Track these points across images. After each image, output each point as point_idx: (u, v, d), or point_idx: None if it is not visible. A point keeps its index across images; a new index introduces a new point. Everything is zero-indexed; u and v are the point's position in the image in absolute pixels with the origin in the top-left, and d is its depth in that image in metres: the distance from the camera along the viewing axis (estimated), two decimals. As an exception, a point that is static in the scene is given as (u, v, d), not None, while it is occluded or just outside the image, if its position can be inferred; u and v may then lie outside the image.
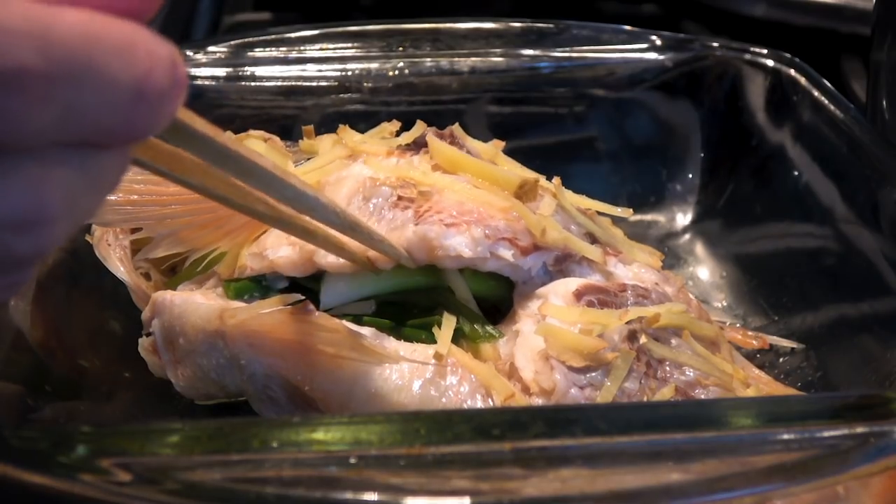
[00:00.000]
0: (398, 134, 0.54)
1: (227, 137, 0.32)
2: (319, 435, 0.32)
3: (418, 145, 0.50)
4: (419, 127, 0.52)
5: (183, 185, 0.34)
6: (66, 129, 0.24)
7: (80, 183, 0.26)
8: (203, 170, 0.34)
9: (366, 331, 0.43)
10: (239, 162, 0.33)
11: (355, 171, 0.48)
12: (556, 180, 0.50)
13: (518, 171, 0.50)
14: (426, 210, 0.45)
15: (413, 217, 0.45)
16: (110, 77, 0.24)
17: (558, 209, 0.48)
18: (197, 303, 0.45)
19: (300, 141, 0.54)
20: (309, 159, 0.52)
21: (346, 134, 0.52)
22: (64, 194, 0.25)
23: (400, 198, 0.45)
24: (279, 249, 0.45)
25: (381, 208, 0.46)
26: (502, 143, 0.54)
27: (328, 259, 0.44)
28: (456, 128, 0.52)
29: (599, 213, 0.52)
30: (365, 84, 0.63)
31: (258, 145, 0.54)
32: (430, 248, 0.44)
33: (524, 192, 0.47)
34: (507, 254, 0.45)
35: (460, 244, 0.44)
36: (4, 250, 0.25)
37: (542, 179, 0.51)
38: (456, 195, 0.46)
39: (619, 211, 0.52)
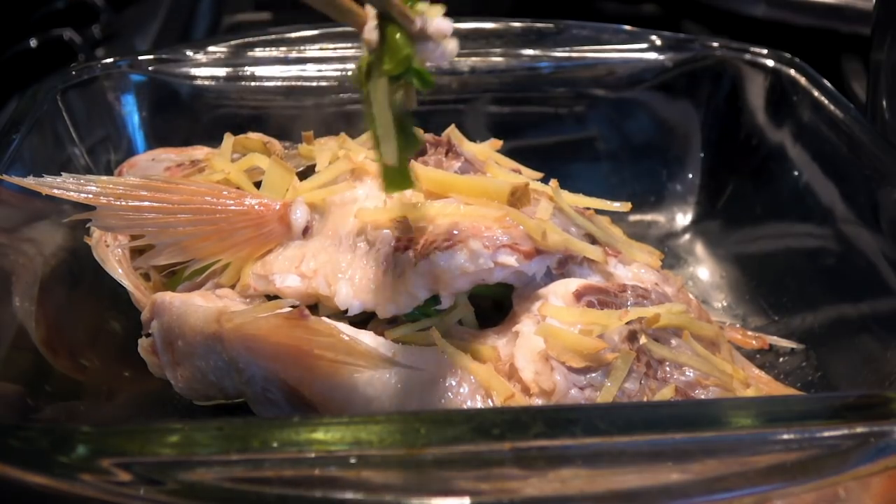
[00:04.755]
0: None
1: None
2: (319, 435, 0.32)
3: (417, 153, 0.50)
4: None
5: None
6: None
7: None
8: None
9: (363, 335, 0.43)
10: None
11: (356, 206, 0.48)
12: (553, 182, 0.50)
13: (509, 178, 0.49)
14: (423, 245, 0.45)
15: (412, 257, 0.44)
16: None
17: (556, 212, 0.48)
18: (195, 305, 0.45)
19: (299, 145, 0.54)
20: (309, 165, 0.52)
21: (347, 144, 0.52)
22: None
23: (398, 239, 0.45)
24: (287, 278, 0.46)
25: (385, 255, 0.45)
26: (499, 143, 0.54)
27: (337, 297, 0.44)
28: (452, 131, 0.52)
29: (598, 212, 0.52)
30: (365, 84, 0.63)
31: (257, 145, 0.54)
32: (434, 279, 0.44)
33: (517, 199, 0.46)
34: (510, 259, 0.44)
35: (460, 261, 0.44)
36: None
37: (539, 183, 0.51)
38: (448, 218, 0.45)
39: (617, 206, 0.52)
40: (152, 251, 0.47)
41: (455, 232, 0.44)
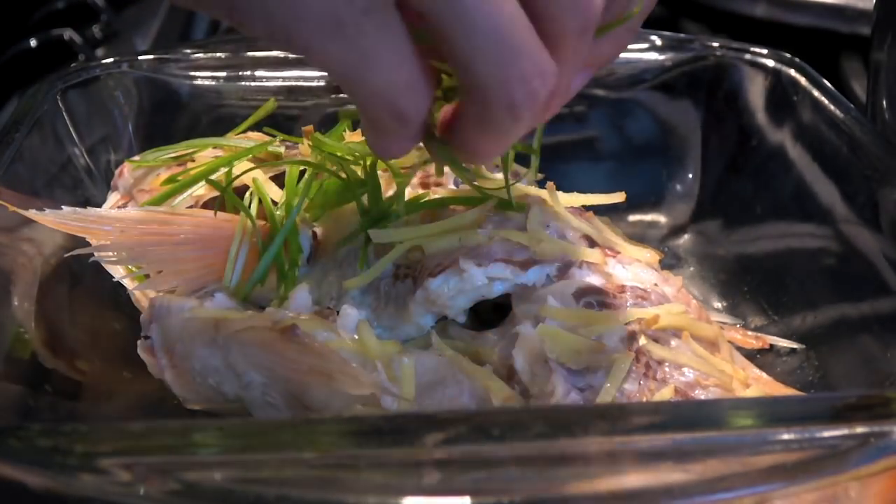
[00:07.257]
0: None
1: None
2: (319, 435, 0.32)
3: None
4: None
5: None
6: None
7: None
8: None
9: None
10: None
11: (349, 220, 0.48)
12: (550, 185, 0.50)
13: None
14: (420, 272, 0.45)
15: (412, 285, 0.45)
16: None
17: (552, 216, 0.48)
18: (194, 309, 0.45)
19: (300, 145, 0.54)
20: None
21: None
22: None
23: (398, 267, 0.46)
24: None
25: (388, 286, 0.46)
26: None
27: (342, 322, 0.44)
28: None
29: (598, 212, 0.52)
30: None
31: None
32: (431, 305, 0.44)
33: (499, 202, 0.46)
34: (504, 273, 0.44)
35: (454, 283, 0.44)
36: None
37: (534, 186, 0.50)
38: (438, 240, 0.45)
39: (612, 197, 0.51)
40: (153, 279, 0.46)
41: (444, 257, 0.44)
